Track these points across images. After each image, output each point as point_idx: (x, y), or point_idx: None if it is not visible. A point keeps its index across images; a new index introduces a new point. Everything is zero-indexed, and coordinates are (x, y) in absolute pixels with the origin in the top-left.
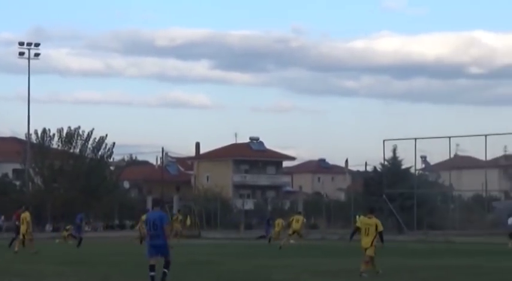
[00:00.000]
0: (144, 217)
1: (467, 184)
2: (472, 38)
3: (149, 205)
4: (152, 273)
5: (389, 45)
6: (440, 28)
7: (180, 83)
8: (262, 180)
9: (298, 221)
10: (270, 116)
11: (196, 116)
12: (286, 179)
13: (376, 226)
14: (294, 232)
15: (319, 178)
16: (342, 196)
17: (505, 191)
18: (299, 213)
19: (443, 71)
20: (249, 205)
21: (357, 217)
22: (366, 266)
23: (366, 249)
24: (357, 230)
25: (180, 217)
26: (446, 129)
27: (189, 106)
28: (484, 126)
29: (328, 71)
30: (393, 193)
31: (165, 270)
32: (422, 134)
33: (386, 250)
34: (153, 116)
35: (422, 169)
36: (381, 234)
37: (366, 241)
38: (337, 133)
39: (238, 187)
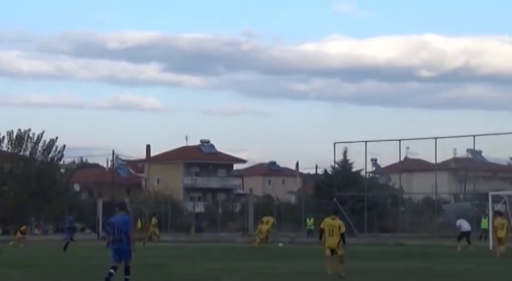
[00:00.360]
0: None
1: (418, 187)
2: (422, 41)
3: (100, 208)
4: (111, 270)
5: (339, 48)
6: (390, 31)
7: (130, 85)
8: (213, 183)
9: (267, 223)
10: (220, 119)
11: (147, 118)
12: (236, 181)
13: (340, 227)
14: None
15: (269, 181)
16: (292, 199)
17: (455, 194)
18: (269, 215)
19: (394, 74)
20: (200, 207)
21: (308, 219)
22: (332, 267)
23: (333, 250)
24: (322, 231)
25: (155, 221)
26: (397, 132)
27: (139, 109)
28: (434, 129)
29: (279, 74)
30: (344, 195)
31: (127, 277)
32: (372, 137)
33: None
34: (104, 118)
35: (372, 172)
36: (343, 235)
37: (331, 241)
38: (287, 136)
39: (188, 189)
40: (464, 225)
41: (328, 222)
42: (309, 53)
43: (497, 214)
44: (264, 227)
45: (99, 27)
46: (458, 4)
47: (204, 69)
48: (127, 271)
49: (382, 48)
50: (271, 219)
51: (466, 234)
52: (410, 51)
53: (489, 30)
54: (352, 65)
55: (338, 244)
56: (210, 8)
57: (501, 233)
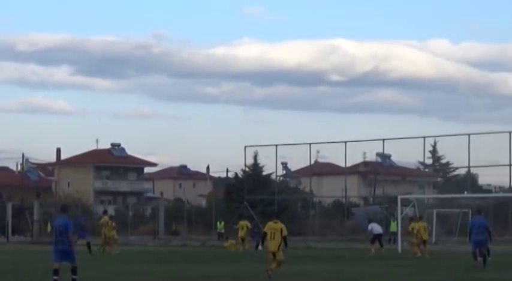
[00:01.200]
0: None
1: (328, 190)
2: (332, 45)
3: (9, 211)
4: (56, 277)
5: (250, 52)
6: (300, 35)
7: (40, 88)
8: (124, 186)
9: (243, 228)
10: (131, 123)
11: (57, 122)
12: (147, 185)
13: (281, 230)
14: (241, 239)
15: (180, 184)
16: (203, 202)
17: (364, 197)
18: (245, 218)
19: (304, 78)
20: (110, 211)
21: (218, 223)
22: (275, 267)
23: (273, 253)
24: (265, 234)
25: (113, 224)
26: (307, 136)
27: (49, 112)
28: (344, 133)
29: (189, 77)
30: (254, 199)
31: (75, 277)
32: (283, 140)
33: (248, 255)
34: (13, 121)
35: (283, 175)
36: (285, 238)
37: (272, 244)
38: (198, 140)
39: (99, 193)
40: (376, 228)
41: (271, 226)
42: (219, 57)
43: (420, 218)
44: (241, 234)
45: (7, 29)
46: (368, 9)
47: (115, 73)
48: (74, 271)
49: (292, 52)
50: (245, 224)
51: (378, 237)
52: (320, 56)
53: (398, 35)
54: (262, 69)
55: (279, 247)
56: (120, 11)
57: (425, 236)
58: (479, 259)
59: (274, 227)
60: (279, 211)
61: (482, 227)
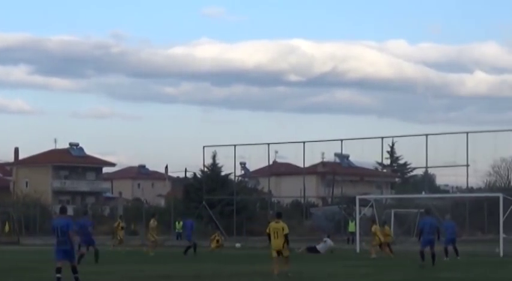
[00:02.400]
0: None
1: (286, 191)
2: (291, 46)
3: None
4: (58, 275)
5: (209, 52)
6: (259, 36)
7: None
8: (82, 186)
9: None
10: (89, 122)
11: (15, 121)
12: (106, 185)
13: (283, 229)
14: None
15: (139, 184)
16: (162, 202)
17: (323, 197)
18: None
19: (262, 79)
20: (69, 211)
21: (177, 223)
22: (278, 268)
23: (279, 251)
24: (268, 235)
25: (122, 224)
26: (266, 136)
27: (7, 111)
28: (303, 134)
29: (148, 77)
30: (213, 199)
31: (76, 275)
32: (241, 140)
33: (205, 255)
34: None
35: (241, 176)
36: (286, 236)
37: (276, 243)
38: (157, 139)
39: (57, 192)
40: None
41: (273, 226)
42: (178, 57)
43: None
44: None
45: None
46: (326, 10)
47: (73, 72)
48: (74, 270)
49: (251, 53)
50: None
51: None
52: (279, 56)
53: (356, 35)
54: (221, 69)
55: (283, 245)
56: (78, 10)
57: (389, 238)
58: (424, 260)
59: (276, 227)
60: (237, 211)
61: (433, 227)
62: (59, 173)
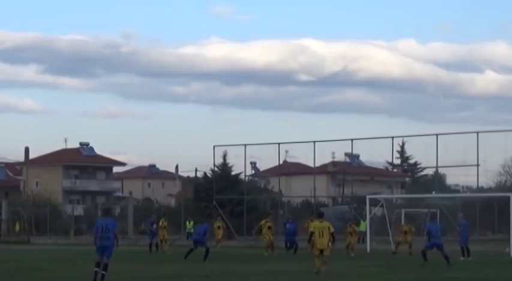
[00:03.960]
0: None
1: (296, 190)
2: (301, 45)
3: None
4: (96, 269)
5: (219, 51)
6: (269, 35)
7: (8, 87)
8: (92, 185)
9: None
10: (100, 122)
11: (26, 121)
12: (116, 184)
13: (329, 228)
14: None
15: (149, 184)
16: (172, 202)
17: (333, 197)
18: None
19: (273, 78)
20: (79, 210)
21: (187, 222)
22: (319, 264)
23: (322, 250)
24: (311, 234)
25: (165, 223)
26: (276, 135)
27: (17, 111)
28: (313, 133)
29: (158, 77)
30: (223, 198)
31: (104, 272)
32: (252, 140)
33: (216, 255)
34: None
35: (252, 175)
36: (332, 234)
37: (322, 242)
38: (167, 139)
39: (68, 192)
40: None
41: (317, 225)
42: (188, 56)
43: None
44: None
45: None
46: (336, 9)
47: (83, 72)
48: (105, 267)
49: (261, 52)
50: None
51: None
52: (289, 56)
53: (366, 35)
54: (231, 69)
55: (328, 244)
56: (88, 10)
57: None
58: (426, 260)
59: (321, 226)
60: (247, 211)
61: (438, 231)
62: (69, 173)
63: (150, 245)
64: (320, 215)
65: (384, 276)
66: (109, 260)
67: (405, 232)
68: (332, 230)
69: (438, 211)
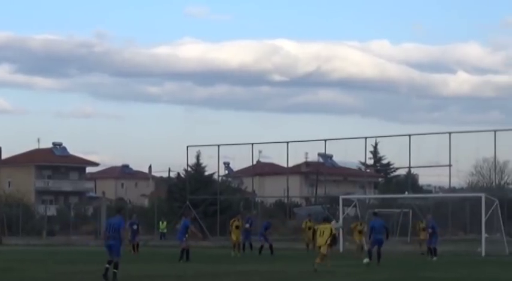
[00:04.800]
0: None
1: (270, 190)
2: (275, 46)
3: None
4: (107, 265)
5: (192, 51)
6: (243, 36)
7: None
8: (65, 186)
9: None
10: (73, 122)
11: None
12: (89, 184)
13: (331, 229)
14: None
15: (122, 184)
16: (145, 202)
17: (306, 197)
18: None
19: (246, 78)
20: (52, 210)
21: (160, 223)
22: (320, 261)
23: (320, 247)
24: (314, 233)
25: (238, 222)
26: (249, 136)
27: None
28: (286, 133)
29: (132, 77)
30: (197, 199)
31: (115, 271)
32: (225, 140)
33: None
34: None
35: (225, 175)
36: (334, 236)
37: (320, 240)
38: (140, 139)
39: (40, 192)
40: None
41: (321, 226)
42: (161, 56)
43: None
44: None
45: None
46: (310, 10)
47: (56, 71)
48: (116, 266)
49: (235, 53)
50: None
51: None
52: (262, 56)
53: (340, 36)
54: (205, 69)
55: (325, 242)
56: (62, 9)
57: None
58: (371, 259)
59: (324, 227)
60: (220, 211)
61: (381, 228)
62: (42, 173)
63: (133, 246)
64: (326, 219)
65: (357, 276)
66: (118, 259)
67: (359, 232)
68: (333, 231)
69: (410, 211)
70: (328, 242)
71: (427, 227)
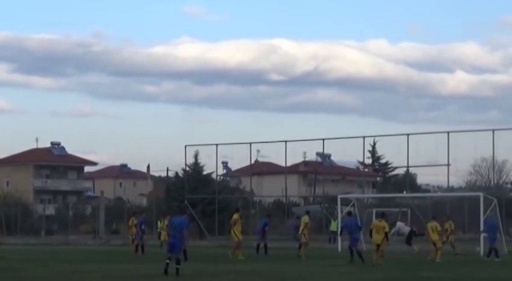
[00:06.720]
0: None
1: (268, 190)
2: (273, 45)
3: None
4: (167, 261)
5: (190, 51)
6: (241, 35)
7: None
8: (64, 185)
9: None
10: (71, 121)
11: None
12: (87, 184)
13: (385, 227)
14: None
15: (121, 183)
16: (144, 202)
17: (304, 196)
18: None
19: (244, 78)
20: (50, 210)
21: (159, 222)
22: (376, 258)
23: (378, 245)
24: (371, 231)
25: (135, 222)
26: (248, 135)
27: None
28: (285, 133)
29: (129, 76)
30: (195, 198)
31: (178, 266)
32: (223, 140)
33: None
34: None
35: (223, 175)
36: (386, 234)
37: (377, 238)
38: (138, 139)
39: (39, 192)
40: (404, 228)
41: (376, 224)
42: (159, 56)
43: (432, 218)
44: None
45: None
46: (308, 10)
47: (54, 71)
48: (177, 261)
49: (233, 52)
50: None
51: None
52: (260, 55)
53: (338, 35)
54: (202, 68)
55: (382, 240)
56: (59, 9)
57: (434, 236)
58: (353, 257)
59: (379, 225)
60: (219, 210)
61: (355, 226)
62: (40, 172)
63: (137, 246)
64: (381, 215)
65: (355, 275)
66: (180, 255)
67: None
68: (387, 229)
69: (409, 210)
70: (385, 240)
71: (485, 226)
